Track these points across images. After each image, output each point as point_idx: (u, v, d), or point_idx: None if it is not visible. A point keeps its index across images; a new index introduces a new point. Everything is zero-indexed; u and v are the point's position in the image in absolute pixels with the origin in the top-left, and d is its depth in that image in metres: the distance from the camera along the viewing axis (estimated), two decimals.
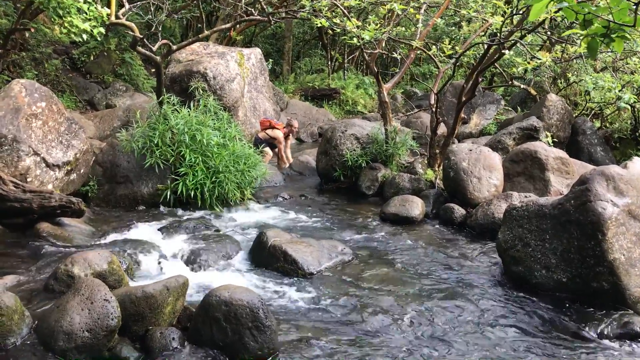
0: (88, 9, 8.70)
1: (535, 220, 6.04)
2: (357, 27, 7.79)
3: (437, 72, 10.49)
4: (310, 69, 23.82)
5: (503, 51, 7.02)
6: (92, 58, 17.47)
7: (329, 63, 22.28)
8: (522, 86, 13.96)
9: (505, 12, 7.20)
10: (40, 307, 4.80)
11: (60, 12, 8.89)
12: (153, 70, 13.79)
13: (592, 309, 5.42)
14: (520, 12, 6.91)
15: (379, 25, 8.10)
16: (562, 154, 8.34)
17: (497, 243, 6.38)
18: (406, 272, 6.38)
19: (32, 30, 12.81)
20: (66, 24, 8.95)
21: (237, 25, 18.41)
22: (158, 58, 7.80)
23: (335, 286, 5.92)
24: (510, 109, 15.64)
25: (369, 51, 9.04)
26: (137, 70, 18.17)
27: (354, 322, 5.16)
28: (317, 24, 8.17)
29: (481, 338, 4.90)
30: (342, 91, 20.35)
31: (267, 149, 11.02)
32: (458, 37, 13.11)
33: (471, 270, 6.46)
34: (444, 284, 6.04)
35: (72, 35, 9.28)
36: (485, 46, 8.41)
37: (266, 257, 6.42)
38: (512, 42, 7.09)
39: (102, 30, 8.92)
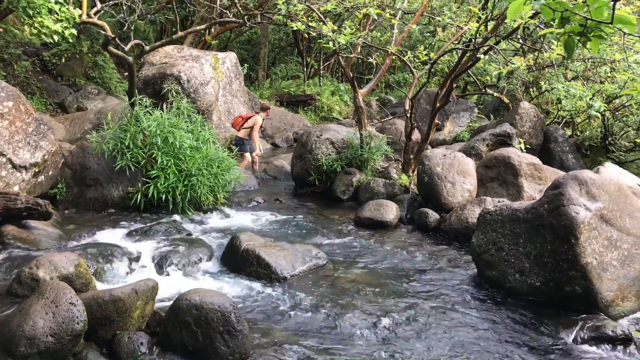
0: (59, 9, 8.52)
1: (509, 225, 6.04)
2: (333, 31, 7.76)
3: (411, 80, 10.52)
4: (286, 75, 23.78)
5: (478, 56, 7.04)
6: (63, 60, 17.13)
7: (305, 69, 22.27)
8: (495, 94, 14.10)
9: (480, 17, 7.24)
10: (2, 311, 4.62)
11: (31, 12, 8.68)
12: (126, 73, 13.59)
13: (565, 313, 5.43)
14: (495, 18, 6.95)
15: (354, 30, 8.07)
16: (535, 160, 8.41)
17: (471, 247, 6.37)
18: (380, 276, 6.33)
19: (1, 30, 12.51)
20: (36, 25, 8.75)
21: (212, 29, 18.31)
22: (130, 59, 7.65)
23: (310, 290, 5.84)
24: (483, 116, 15.80)
25: (344, 55, 9.01)
26: (110, 73, 17.88)
27: (328, 326, 5.09)
28: (292, 28, 8.12)
29: (454, 341, 4.87)
30: (318, 97, 20.34)
31: (247, 155, 10.88)
32: (433, 44, 13.19)
33: (445, 275, 6.44)
34: (418, 288, 6.00)
35: (43, 37, 9.07)
36: (460, 52, 8.44)
37: (239, 261, 6.31)
38: (487, 47, 7.12)
39: (74, 31, 8.73)
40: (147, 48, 7.77)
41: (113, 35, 7.16)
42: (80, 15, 7.25)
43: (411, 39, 18.71)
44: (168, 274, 6.12)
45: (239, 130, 10.91)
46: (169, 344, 4.47)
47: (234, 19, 8.56)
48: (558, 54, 7.05)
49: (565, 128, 13.43)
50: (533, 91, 15.18)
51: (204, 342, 4.33)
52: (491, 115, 16.16)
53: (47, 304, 4.16)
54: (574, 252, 5.44)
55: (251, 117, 10.84)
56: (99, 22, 7.23)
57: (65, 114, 14.50)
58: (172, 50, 13.16)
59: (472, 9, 6.93)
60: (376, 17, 8.22)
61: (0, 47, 15.36)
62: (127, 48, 7.27)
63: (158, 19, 21.13)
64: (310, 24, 7.86)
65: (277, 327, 5.07)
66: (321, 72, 22.50)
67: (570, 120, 13.92)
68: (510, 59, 6.66)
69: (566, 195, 5.58)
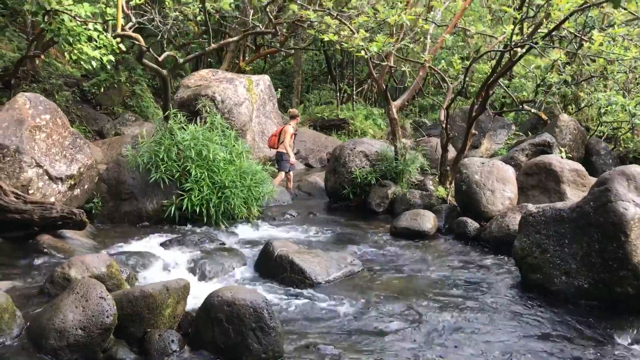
0: (98, 36, 8.74)
1: (553, 225, 5.78)
2: (364, 39, 7.71)
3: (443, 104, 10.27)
4: (319, 101, 23.87)
5: (519, 51, 6.75)
6: (102, 90, 17.54)
7: (338, 95, 22.31)
8: (532, 110, 13.77)
9: (516, 18, 7.08)
10: (34, 310, 4.58)
11: (71, 39, 8.93)
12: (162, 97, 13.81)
13: (617, 316, 5.11)
14: (532, 16, 6.78)
15: (386, 39, 8.00)
16: (578, 166, 8.10)
17: (513, 251, 6.11)
18: (419, 282, 6.10)
19: (42, 57, 12.89)
20: (76, 51, 8.97)
21: (247, 56, 18.57)
22: (165, 72, 7.74)
23: (345, 295, 5.64)
24: (521, 134, 15.44)
25: (376, 63, 8.90)
26: (147, 102, 18.23)
27: (365, 330, 4.88)
28: (323, 46, 8.07)
29: (499, 347, 4.58)
30: (351, 121, 20.28)
31: (282, 173, 10.76)
32: (467, 53, 13.03)
33: (487, 281, 6.17)
34: (459, 294, 5.75)
35: (82, 63, 9.31)
36: (496, 58, 8.27)
37: (272, 267, 6.18)
38: (525, 43, 6.87)
39: (112, 58, 8.93)
40: (181, 60, 7.85)
41: (147, 47, 7.26)
42: (114, 28, 7.34)
43: (445, 48, 18.38)
44: (201, 280, 6.01)
45: (278, 147, 10.73)
46: (200, 341, 4.34)
47: (265, 29, 8.54)
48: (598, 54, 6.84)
49: (607, 143, 13.02)
50: (571, 108, 14.81)
51: (235, 339, 4.18)
52: (529, 133, 15.76)
53: (77, 299, 4.10)
54: (624, 250, 5.14)
55: (282, 129, 10.75)
56: (134, 34, 7.34)
57: (103, 139, 14.77)
58: (207, 73, 13.33)
59: (506, 9, 6.77)
60: (408, 23, 8.09)
61: (43, 78, 15.83)
62: (161, 58, 7.37)
63: (195, 50, 21.55)
64: (342, 31, 7.81)
65: (311, 329, 4.89)
66: (354, 97, 22.50)
67: (612, 135, 13.50)
68: (550, 54, 6.35)
69: (613, 191, 5.31)
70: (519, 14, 6.98)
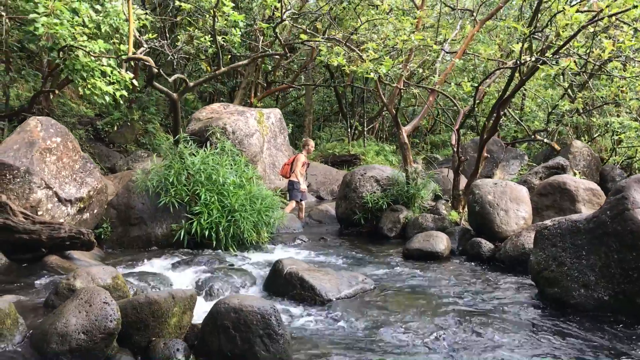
0: (111, 72, 8.89)
1: (569, 237, 5.63)
2: (373, 60, 7.74)
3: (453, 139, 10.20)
4: (330, 138, 23.97)
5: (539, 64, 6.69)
6: (115, 128, 17.75)
7: (349, 131, 22.41)
8: (545, 140, 13.71)
9: (524, 33, 7.09)
10: (38, 319, 4.47)
11: (84, 74, 9.07)
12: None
13: None
14: (541, 30, 6.77)
15: (395, 61, 8.03)
16: (593, 185, 7.96)
17: (529, 265, 5.94)
18: (432, 300, 5.93)
19: (57, 92, 13.10)
20: (90, 86, 9.10)
21: (258, 92, 18.76)
22: (175, 95, 7.79)
23: (356, 311, 5.49)
24: (534, 164, 15.32)
25: (385, 83, 8.91)
26: (160, 139, 18.37)
27: (377, 343, 4.72)
28: (331, 63, 8.12)
29: None
30: (362, 157, 20.29)
31: (293, 201, 10.70)
32: (476, 75, 13.04)
33: (503, 298, 5.98)
34: (474, 310, 5.56)
35: (95, 97, 9.43)
36: (505, 82, 8.25)
37: (282, 285, 6.04)
38: (534, 59, 6.85)
39: (125, 93, 9.06)
40: (191, 84, 7.90)
41: (157, 68, 7.33)
42: (125, 53, 7.44)
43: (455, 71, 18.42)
44: (209, 299, 5.88)
45: (290, 176, 10.73)
46: (207, 350, 4.20)
47: (274, 52, 8.63)
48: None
49: (621, 170, 12.87)
50: (584, 138, 14.73)
51: (242, 346, 4.05)
52: (542, 163, 15.67)
53: (80, 304, 4.01)
54: None
55: (294, 158, 10.75)
56: (145, 57, 7.42)
57: (115, 174, 14.83)
58: (219, 107, 13.44)
59: (515, 26, 6.78)
60: (417, 43, 8.13)
61: (57, 117, 16.06)
62: (171, 80, 7.43)
63: (207, 90, 21.87)
64: (350, 54, 7.85)
65: (322, 343, 4.72)
66: (365, 134, 22.58)
67: (627, 164, 13.37)
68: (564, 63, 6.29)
69: (630, 199, 5.18)
70: (528, 30, 6.97)
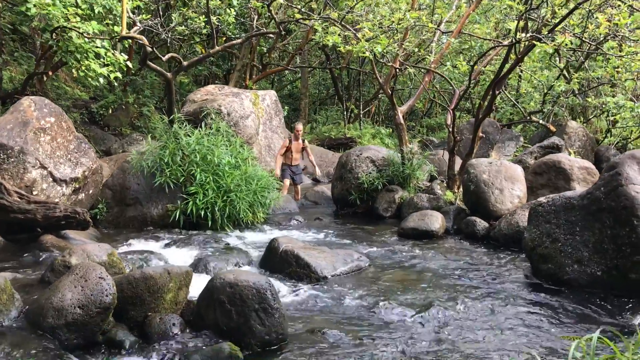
0: (105, 54, 8.82)
1: (563, 214, 5.65)
2: (368, 40, 7.70)
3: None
4: (326, 121, 23.92)
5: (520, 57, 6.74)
6: (110, 111, 17.66)
7: (345, 114, 22.35)
8: (540, 122, 13.69)
9: (520, 11, 7.05)
10: (34, 296, 4.48)
11: (78, 56, 9.01)
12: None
13: (633, 303, 4.93)
14: (536, 7, 6.73)
15: (390, 40, 8.00)
16: (587, 163, 7.98)
17: (523, 242, 5.97)
18: (427, 276, 5.97)
19: (50, 74, 13.02)
20: (84, 68, 9.04)
21: (253, 75, 18.67)
22: (169, 75, 7.75)
23: (351, 287, 5.52)
24: (529, 146, 15.33)
25: (382, 63, 8.87)
26: (155, 122, 18.32)
27: (370, 317, 4.76)
28: (326, 43, 8.08)
29: (508, 334, 4.40)
30: (358, 140, 20.25)
31: (286, 181, 10.72)
32: (472, 56, 12.99)
33: (496, 274, 6.02)
34: (468, 286, 5.60)
35: (90, 79, 9.38)
36: (501, 61, 8.23)
37: (278, 262, 6.07)
38: (530, 37, 6.81)
39: (119, 75, 9.00)
40: (185, 63, 7.86)
41: (151, 47, 7.28)
42: (118, 34, 7.38)
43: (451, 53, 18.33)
44: (206, 276, 5.88)
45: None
46: (202, 325, 4.23)
47: (269, 31, 8.57)
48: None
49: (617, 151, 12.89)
50: (580, 120, 14.73)
51: (238, 320, 4.07)
52: (537, 144, 15.67)
53: (76, 279, 4.02)
54: (637, 234, 5.01)
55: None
56: (138, 36, 7.37)
57: (110, 156, 14.80)
58: (213, 88, 13.38)
59: (510, 4, 6.75)
60: (412, 21, 8.07)
61: (52, 100, 15.97)
62: (165, 58, 7.38)
63: (202, 73, 21.75)
64: (346, 33, 7.81)
65: (317, 317, 4.77)
66: (361, 117, 22.53)
67: (622, 146, 13.38)
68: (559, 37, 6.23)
69: (624, 175, 5.20)
70: (524, 7, 6.94)
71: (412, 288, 5.49)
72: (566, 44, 6.29)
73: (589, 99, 12.13)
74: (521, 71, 14.55)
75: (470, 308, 4.95)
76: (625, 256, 5.08)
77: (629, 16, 7.50)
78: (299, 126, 10.93)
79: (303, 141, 10.81)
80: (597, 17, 7.63)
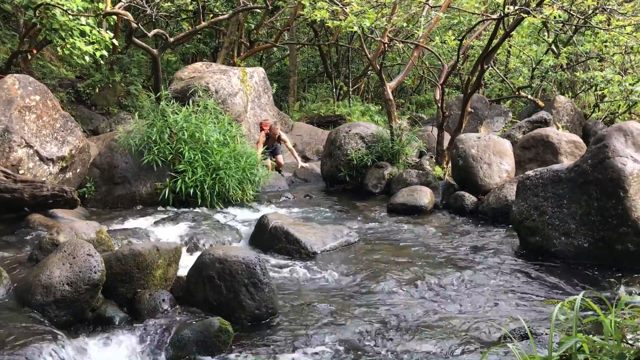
0: (90, 32, 8.67)
1: (550, 187, 5.69)
2: (357, 15, 7.64)
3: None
4: (316, 98, 23.80)
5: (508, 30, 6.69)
6: (97, 90, 17.46)
7: (334, 92, 22.25)
8: (529, 97, 13.70)
9: None
10: (22, 274, 4.47)
11: (63, 34, 8.86)
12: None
13: (619, 274, 5.00)
14: None
15: (379, 14, 7.93)
16: (575, 137, 8.02)
17: (511, 216, 6.02)
18: (415, 250, 6.01)
19: (34, 52, 12.83)
20: (69, 46, 8.90)
21: (242, 52, 18.51)
22: (155, 51, 7.65)
23: (341, 262, 5.56)
24: (518, 121, 15.36)
25: (369, 37, 8.79)
26: (142, 101, 18.14)
27: (361, 290, 4.80)
28: (314, 19, 8.00)
29: (498, 303, 4.46)
30: (348, 117, 20.18)
31: (267, 161, 10.72)
32: (461, 31, 12.94)
33: (485, 247, 6.07)
34: (455, 259, 5.65)
35: (75, 58, 9.24)
36: (490, 35, 8.20)
37: (267, 239, 6.08)
38: (517, 9, 6.77)
39: (105, 53, 8.86)
40: (171, 39, 7.76)
41: (137, 23, 7.17)
42: (102, 11, 7.26)
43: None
44: (196, 253, 5.89)
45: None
46: (192, 300, 4.24)
47: (256, 6, 8.47)
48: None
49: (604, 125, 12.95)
50: (568, 95, 14.76)
51: (228, 296, 4.09)
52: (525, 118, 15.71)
53: (64, 256, 4.00)
54: (623, 206, 5.07)
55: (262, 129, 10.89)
56: (123, 12, 7.26)
57: (97, 136, 14.67)
58: (201, 66, 13.24)
59: None
60: None
61: (37, 79, 15.77)
62: (150, 34, 7.28)
63: (190, 51, 21.51)
64: (333, 7, 7.73)
65: (307, 292, 4.80)
66: (350, 94, 22.45)
67: (610, 120, 13.45)
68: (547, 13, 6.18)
69: (611, 147, 5.23)
70: None
71: (401, 262, 5.52)
72: (555, 17, 6.27)
73: (577, 74, 12.14)
74: (510, 47, 14.53)
75: (459, 280, 5.00)
76: (612, 228, 5.14)
77: None
78: (276, 127, 11.04)
79: (279, 137, 10.86)
80: None
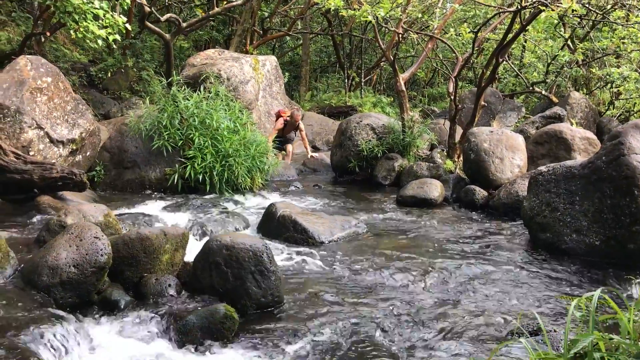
0: (104, 15, 8.65)
1: (563, 183, 5.61)
2: (371, 4, 7.55)
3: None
4: (327, 88, 23.72)
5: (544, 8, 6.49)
6: (109, 75, 17.46)
7: (346, 82, 22.15)
8: (543, 92, 13.57)
9: None
10: (29, 255, 4.46)
11: (77, 17, 8.84)
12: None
13: (631, 273, 4.92)
14: None
15: (394, 4, 7.83)
16: (589, 134, 7.91)
17: (522, 211, 5.95)
18: (424, 242, 5.96)
19: (48, 34, 12.83)
20: (82, 29, 8.88)
21: (254, 40, 18.44)
22: (168, 36, 7.63)
23: (348, 253, 5.51)
24: (531, 116, 15.23)
25: (384, 27, 8.69)
26: (154, 86, 18.14)
27: (367, 281, 4.77)
28: (328, 7, 7.92)
29: (509, 298, 4.41)
30: (359, 109, 20.08)
31: (287, 146, 10.72)
32: (477, 24, 12.82)
33: (495, 242, 6.01)
34: (465, 253, 5.59)
35: (88, 41, 9.22)
36: (506, 29, 8.09)
37: (275, 227, 6.05)
38: (537, 2, 6.65)
39: (118, 37, 8.84)
40: (184, 25, 7.73)
41: (150, 7, 7.14)
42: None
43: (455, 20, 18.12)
44: (203, 239, 5.87)
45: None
46: (198, 286, 4.22)
47: None
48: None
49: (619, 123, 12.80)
50: (583, 91, 14.60)
51: (234, 283, 4.06)
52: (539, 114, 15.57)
53: (71, 238, 3.99)
54: (637, 205, 4.99)
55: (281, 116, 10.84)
56: None
57: (108, 120, 14.68)
58: (213, 52, 13.20)
59: None
60: None
61: (50, 62, 15.78)
62: (163, 19, 7.25)
63: (202, 38, 21.46)
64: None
65: (313, 281, 4.76)
66: (362, 85, 22.34)
67: (625, 118, 13.29)
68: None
69: (626, 144, 5.14)
70: None
71: (410, 254, 5.47)
72: (573, 10, 6.16)
73: (593, 70, 11.98)
74: (525, 41, 14.38)
75: (468, 273, 4.95)
76: (624, 226, 5.06)
77: None
78: (298, 113, 11.06)
79: (298, 125, 10.83)
80: None
